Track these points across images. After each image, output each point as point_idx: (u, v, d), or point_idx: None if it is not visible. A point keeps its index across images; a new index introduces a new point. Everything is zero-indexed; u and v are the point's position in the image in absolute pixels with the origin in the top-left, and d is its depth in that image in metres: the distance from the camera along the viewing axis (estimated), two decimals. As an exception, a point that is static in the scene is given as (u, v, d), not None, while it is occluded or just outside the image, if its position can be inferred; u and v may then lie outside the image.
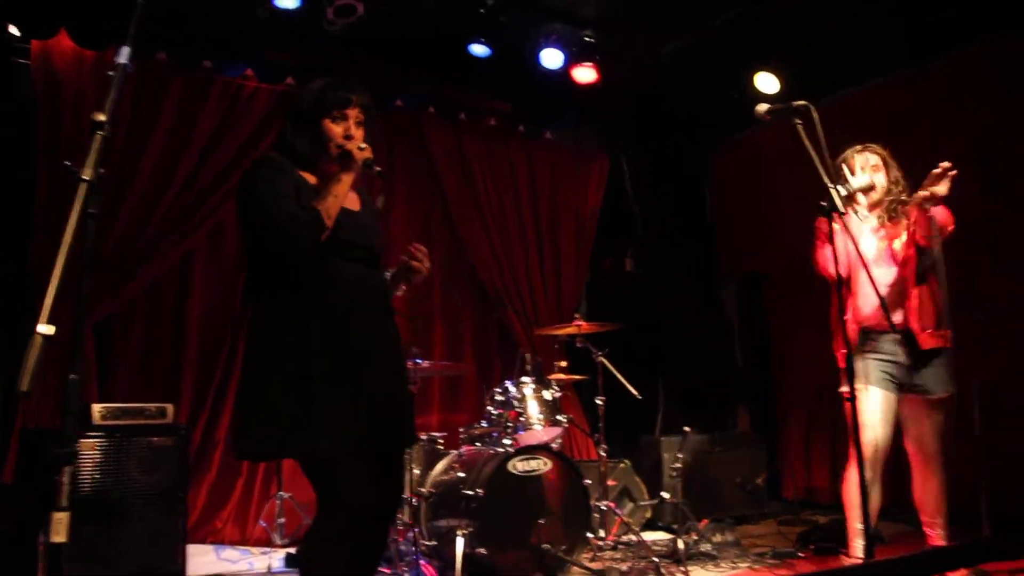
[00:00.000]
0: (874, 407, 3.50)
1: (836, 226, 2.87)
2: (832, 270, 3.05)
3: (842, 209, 2.78)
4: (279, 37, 5.34)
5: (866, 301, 3.56)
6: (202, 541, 4.82)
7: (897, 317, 3.59)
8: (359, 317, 2.49)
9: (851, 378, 2.80)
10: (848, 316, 3.49)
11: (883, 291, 3.47)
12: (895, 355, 3.60)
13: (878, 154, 3.75)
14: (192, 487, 4.71)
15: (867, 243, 3.65)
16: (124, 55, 1.90)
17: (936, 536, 3.64)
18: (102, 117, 1.78)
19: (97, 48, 4.83)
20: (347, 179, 2.52)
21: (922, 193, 3.42)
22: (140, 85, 4.93)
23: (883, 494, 3.66)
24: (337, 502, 2.37)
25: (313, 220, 2.41)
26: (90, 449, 3.68)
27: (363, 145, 2.56)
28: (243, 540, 4.99)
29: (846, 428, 3.53)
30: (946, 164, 3.37)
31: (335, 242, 2.46)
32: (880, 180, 3.69)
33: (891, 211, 3.70)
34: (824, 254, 3.61)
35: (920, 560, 1.80)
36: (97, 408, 3.81)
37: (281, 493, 4.79)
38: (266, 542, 4.89)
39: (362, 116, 2.62)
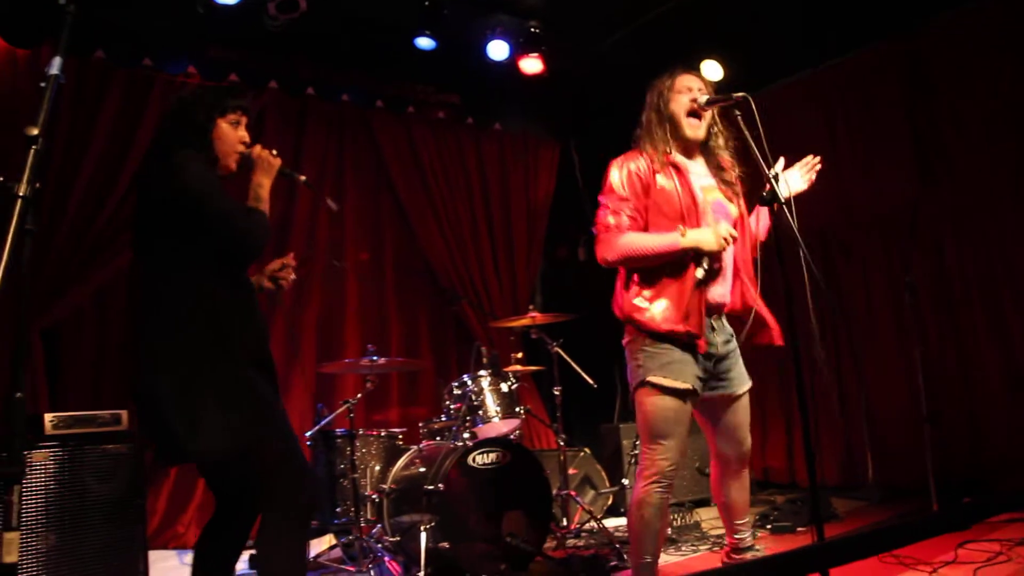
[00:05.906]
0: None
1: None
2: None
3: (782, 199, 2.64)
4: (220, 34, 5.27)
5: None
6: (164, 547, 4.78)
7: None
8: (260, 322, 2.50)
9: None
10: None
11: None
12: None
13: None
14: (151, 493, 4.66)
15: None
16: (56, 66, 1.80)
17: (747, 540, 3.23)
18: (35, 131, 1.71)
19: (29, 47, 4.71)
20: (268, 184, 2.53)
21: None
22: (79, 85, 4.80)
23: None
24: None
25: (265, 225, 2.42)
26: (43, 460, 3.60)
27: (274, 151, 2.57)
28: (207, 544, 4.95)
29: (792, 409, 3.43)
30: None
31: None
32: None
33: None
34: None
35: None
36: (49, 418, 3.70)
37: (242, 494, 4.74)
38: (230, 544, 4.84)
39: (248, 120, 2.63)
